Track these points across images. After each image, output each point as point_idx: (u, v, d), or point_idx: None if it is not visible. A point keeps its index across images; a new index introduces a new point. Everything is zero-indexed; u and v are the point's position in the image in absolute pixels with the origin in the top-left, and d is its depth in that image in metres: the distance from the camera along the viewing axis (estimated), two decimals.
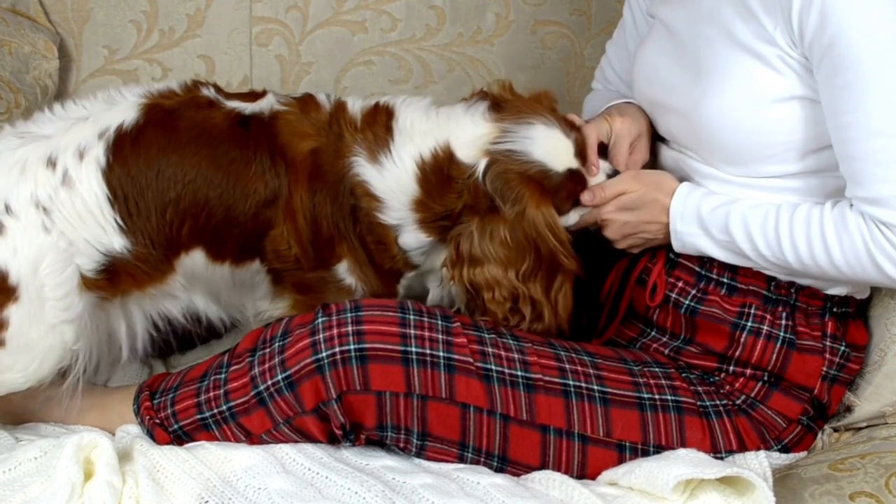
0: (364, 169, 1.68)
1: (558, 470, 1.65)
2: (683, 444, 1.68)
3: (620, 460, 1.67)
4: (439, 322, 1.64)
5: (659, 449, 1.67)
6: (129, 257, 1.68)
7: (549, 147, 1.70)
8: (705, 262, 1.73)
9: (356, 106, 1.72)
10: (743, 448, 1.70)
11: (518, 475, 1.65)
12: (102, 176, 1.65)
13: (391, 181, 1.68)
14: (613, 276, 1.84)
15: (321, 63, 2.35)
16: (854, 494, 1.56)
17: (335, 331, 1.61)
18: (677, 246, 1.72)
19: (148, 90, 1.72)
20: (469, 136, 1.69)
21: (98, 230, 1.66)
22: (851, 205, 1.59)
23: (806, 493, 1.58)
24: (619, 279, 1.83)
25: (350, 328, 1.61)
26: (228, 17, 2.32)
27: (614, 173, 1.75)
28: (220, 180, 1.67)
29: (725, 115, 1.64)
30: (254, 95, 1.74)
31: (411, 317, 1.63)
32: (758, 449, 1.70)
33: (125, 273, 1.70)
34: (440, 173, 1.69)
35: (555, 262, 1.69)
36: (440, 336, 1.63)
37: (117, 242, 1.67)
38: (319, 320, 1.62)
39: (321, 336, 1.61)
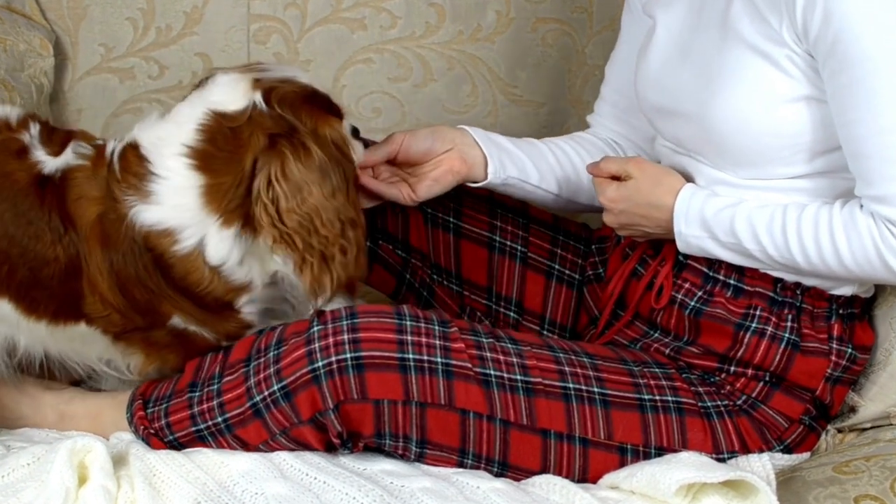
0: (144, 213, 1.61)
1: (559, 474, 1.65)
2: (685, 446, 1.67)
3: (622, 463, 1.66)
4: (436, 327, 1.63)
5: (660, 450, 1.67)
6: None
7: (304, 74, 1.69)
8: (713, 263, 1.73)
9: (115, 155, 1.65)
10: (745, 448, 1.69)
11: (518, 480, 1.65)
12: None
13: (170, 197, 1.61)
14: (618, 277, 1.83)
15: (320, 61, 2.35)
16: (859, 498, 1.55)
17: (331, 339, 1.59)
18: (682, 247, 1.71)
19: None
20: (228, 92, 1.64)
21: None
22: (862, 205, 1.59)
23: (810, 496, 1.57)
24: (623, 281, 1.83)
25: (346, 336, 1.59)
26: (226, 14, 2.31)
27: (354, 129, 1.75)
28: (20, 239, 1.62)
29: (735, 118, 1.63)
30: (63, 142, 1.68)
31: (408, 322, 1.62)
32: (760, 449, 1.70)
33: None
34: (216, 138, 1.61)
35: (353, 179, 1.65)
36: (437, 342, 1.62)
37: None
38: (315, 328, 1.61)
39: (317, 345, 1.60)
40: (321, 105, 1.65)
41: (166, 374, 1.75)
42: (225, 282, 1.66)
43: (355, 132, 1.74)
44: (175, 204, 1.61)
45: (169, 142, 1.62)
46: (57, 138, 1.69)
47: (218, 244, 1.63)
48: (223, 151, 1.61)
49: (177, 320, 1.68)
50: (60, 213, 1.63)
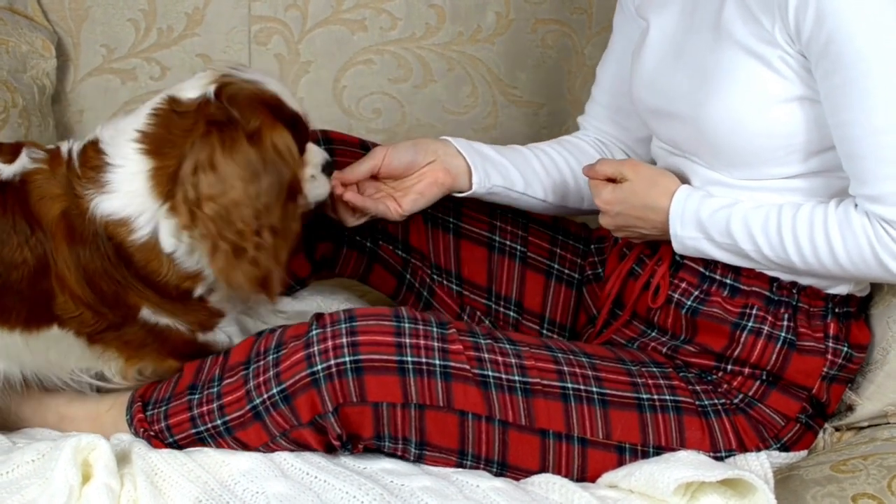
0: (102, 204, 1.62)
1: (558, 473, 1.65)
2: (683, 444, 1.68)
3: (620, 462, 1.67)
4: (434, 329, 1.63)
5: (658, 450, 1.67)
6: None
7: (283, 89, 1.68)
8: (709, 263, 1.73)
9: (76, 152, 1.66)
10: (742, 447, 1.70)
11: (518, 480, 1.65)
12: None
13: (124, 184, 1.62)
14: (615, 277, 1.84)
15: (320, 62, 2.35)
16: (856, 496, 1.56)
17: (329, 343, 1.60)
18: (678, 248, 1.71)
19: None
20: (192, 84, 1.65)
21: None
22: (856, 204, 1.59)
23: (808, 494, 1.58)
24: (620, 280, 1.83)
25: (345, 339, 1.60)
26: (227, 15, 2.32)
27: (327, 163, 1.74)
28: None
29: (730, 119, 1.63)
30: (14, 151, 1.68)
31: (406, 325, 1.63)
32: (757, 447, 1.70)
33: None
34: (165, 122, 1.62)
35: (292, 189, 1.64)
36: (436, 344, 1.62)
37: None
38: (314, 332, 1.62)
39: (316, 349, 1.60)
40: (278, 114, 1.64)
41: (149, 378, 1.75)
42: (179, 270, 1.66)
43: (327, 167, 1.74)
44: (128, 191, 1.62)
45: (125, 131, 1.64)
46: (6, 148, 1.69)
47: (168, 230, 1.63)
48: (171, 135, 1.61)
49: (146, 313, 1.69)
50: (25, 216, 1.63)
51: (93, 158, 1.64)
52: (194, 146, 1.59)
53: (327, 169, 1.74)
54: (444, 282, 1.94)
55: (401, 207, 1.81)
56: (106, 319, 1.67)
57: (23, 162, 1.66)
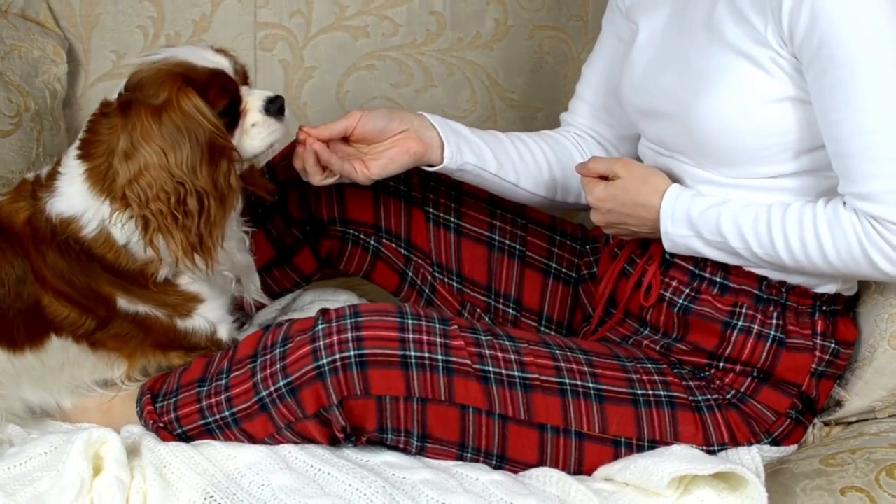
0: (53, 205, 1.70)
1: (556, 467, 1.67)
2: (677, 439, 1.70)
3: (616, 456, 1.69)
4: (437, 325, 1.66)
5: (653, 444, 1.69)
6: None
7: (196, 52, 1.71)
8: (699, 261, 1.74)
9: (45, 171, 1.75)
10: (734, 441, 1.72)
11: (516, 472, 1.67)
12: None
13: (66, 188, 1.70)
14: (608, 276, 1.85)
15: (324, 67, 2.37)
16: (845, 489, 1.58)
17: (335, 337, 1.62)
18: (668, 246, 1.72)
19: None
20: (119, 86, 1.71)
21: None
22: (844, 202, 1.60)
23: (798, 487, 1.60)
24: (613, 280, 1.84)
25: (350, 334, 1.62)
26: (233, 22, 2.33)
27: (270, 101, 1.73)
28: None
29: (720, 119, 1.65)
30: None
31: (409, 321, 1.65)
32: (748, 441, 1.72)
33: None
34: (95, 126, 1.69)
35: (214, 147, 1.66)
36: (438, 339, 1.64)
37: None
38: (319, 327, 1.64)
39: (321, 343, 1.62)
40: (189, 79, 1.67)
41: (153, 374, 1.78)
42: (136, 258, 1.71)
43: (272, 105, 1.73)
44: (70, 193, 1.70)
45: (76, 142, 1.72)
46: None
47: (116, 224, 1.68)
48: (99, 136, 1.68)
49: (123, 302, 1.72)
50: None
51: (54, 170, 1.72)
52: (116, 140, 1.65)
53: (273, 107, 1.74)
54: (445, 279, 1.96)
55: (368, 170, 1.80)
56: (92, 315, 1.71)
57: None
